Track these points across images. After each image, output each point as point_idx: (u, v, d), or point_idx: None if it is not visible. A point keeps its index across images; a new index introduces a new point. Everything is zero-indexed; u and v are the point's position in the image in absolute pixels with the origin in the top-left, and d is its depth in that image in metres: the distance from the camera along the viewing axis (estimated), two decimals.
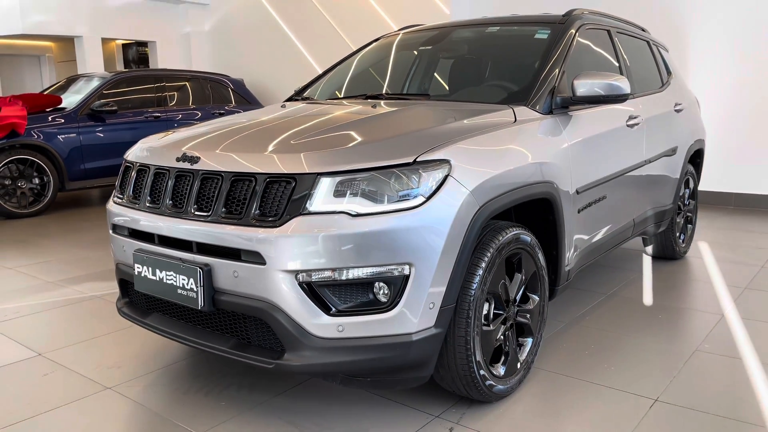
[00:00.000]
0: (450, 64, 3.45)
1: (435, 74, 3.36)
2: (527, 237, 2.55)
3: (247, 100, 9.40)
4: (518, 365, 2.61)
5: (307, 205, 2.07)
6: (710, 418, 2.40)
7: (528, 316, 2.66)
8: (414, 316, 2.12)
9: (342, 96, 3.38)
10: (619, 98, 2.91)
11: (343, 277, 2.06)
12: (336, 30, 9.96)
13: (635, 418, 2.41)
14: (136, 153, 2.67)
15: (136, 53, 12.54)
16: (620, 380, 2.72)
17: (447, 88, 3.25)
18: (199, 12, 11.38)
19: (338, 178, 2.09)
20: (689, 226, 4.79)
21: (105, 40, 11.61)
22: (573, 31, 3.27)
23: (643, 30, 4.52)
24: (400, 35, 3.81)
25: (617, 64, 3.68)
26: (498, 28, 3.45)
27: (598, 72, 2.91)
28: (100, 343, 3.22)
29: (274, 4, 10.67)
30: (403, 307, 2.10)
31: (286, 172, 2.11)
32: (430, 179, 2.14)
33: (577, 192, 2.92)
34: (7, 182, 6.88)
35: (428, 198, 2.12)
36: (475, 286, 2.28)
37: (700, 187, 6.80)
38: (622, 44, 3.84)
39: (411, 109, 2.81)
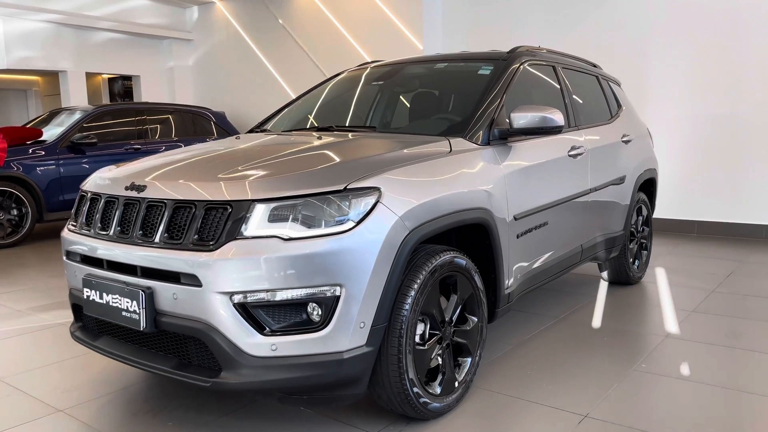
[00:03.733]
0: (400, 99, 3.63)
1: (384, 108, 3.54)
2: (462, 260, 2.69)
3: (228, 132, 9.58)
4: (456, 384, 2.72)
5: (243, 230, 2.21)
6: None
7: (466, 336, 2.78)
8: (345, 335, 2.25)
9: (296, 128, 3.55)
10: (553, 130, 3.09)
11: (276, 298, 2.19)
12: (315, 63, 10.22)
13: None
14: (90, 183, 2.81)
15: (122, 87, 12.76)
16: (555, 398, 2.84)
17: (394, 121, 3.43)
18: (182, 47, 11.65)
19: (272, 205, 2.23)
20: (644, 252, 4.95)
21: (90, 74, 11.83)
22: (516, 66, 3.47)
23: (594, 66, 4.74)
24: (357, 71, 4.00)
25: (562, 98, 3.87)
26: (446, 64, 3.65)
27: (534, 105, 3.10)
28: (61, 367, 3.31)
29: (255, 40, 10.95)
30: (335, 326, 2.23)
31: (223, 199, 2.25)
32: (360, 205, 2.28)
33: (515, 218, 3.07)
34: None
35: (358, 223, 2.26)
36: (407, 306, 2.41)
37: (665, 215, 7.01)
38: (569, 79, 4.05)
39: (351, 140, 2.98)
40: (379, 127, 3.23)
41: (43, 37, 9.97)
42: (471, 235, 2.92)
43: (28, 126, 8.42)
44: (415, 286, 2.45)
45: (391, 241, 2.32)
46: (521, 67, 3.52)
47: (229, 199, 2.25)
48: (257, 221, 2.22)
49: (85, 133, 7.82)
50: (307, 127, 3.50)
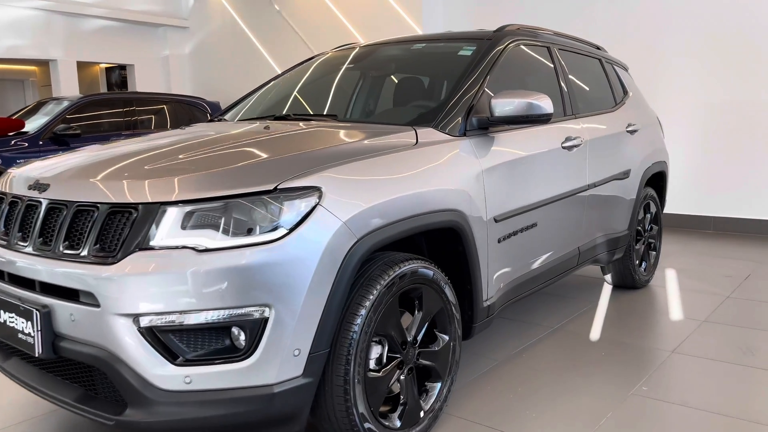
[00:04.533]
0: (371, 84, 3.23)
1: (352, 95, 3.14)
2: (428, 270, 2.31)
3: None
4: (422, 414, 2.35)
5: (150, 239, 1.84)
6: None
7: (434, 358, 2.40)
8: (275, 364, 1.87)
9: (253, 117, 3.17)
10: (541, 118, 2.68)
11: (190, 322, 1.82)
12: (312, 51, 9.82)
13: None
14: (1, 180, 2.45)
15: (119, 76, 12.45)
16: (539, 430, 2.45)
17: (361, 109, 3.04)
18: (178, 35, 11.29)
19: (186, 208, 1.86)
20: (652, 253, 4.52)
21: (84, 64, 11.54)
22: (502, 47, 3.06)
23: (597, 48, 4.30)
24: (331, 54, 3.61)
25: (557, 83, 3.45)
26: (424, 45, 3.24)
27: (518, 91, 2.69)
28: None
29: (252, 27, 10.57)
30: (262, 354, 1.86)
31: (128, 201, 1.88)
32: (294, 209, 1.90)
33: (495, 220, 2.68)
34: None
35: (291, 230, 1.88)
36: (356, 328, 2.03)
37: (678, 210, 6.56)
38: (566, 62, 3.62)
39: (300, 131, 2.59)
40: (341, 115, 2.85)
41: (32, 24, 9.66)
42: (444, 241, 2.53)
43: (12, 117, 8.13)
44: (367, 303, 2.07)
45: (333, 252, 1.94)
46: (509, 47, 3.11)
47: (133, 201, 1.87)
48: (168, 228, 1.84)
49: (68, 125, 7.51)
50: (265, 115, 3.11)
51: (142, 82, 11.05)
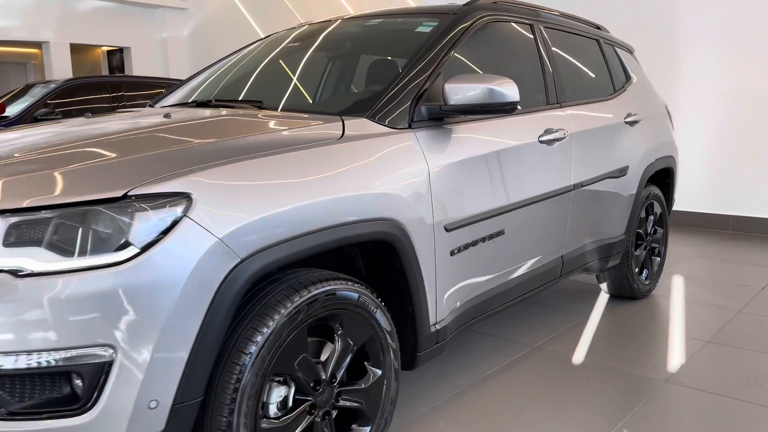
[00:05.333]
0: (315, 67, 2.79)
1: (292, 78, 2.71)
2: (351, 292, 1.88)
3: None
4: None
5: None
6: None
7: (362, 396, 1.99)
8: (122, 421, 1.47)
9: (178, 103, 2.76)
10: (504, 108, 2.23)
11: (9, 366, 1.42)
12: None
13: None
14: None
15: (120, 60, 12.15)
16: None
17: (296, 94, 2.60)
18: (176, 16, 10.91)
19: (12, 220, 1.46)
20: (656, 259, 4.03)
21: (86, 47, 11.26)
22: (467, 24, 2.60)
23: (597, 27, 3.80)
24: (283, 33, 3.17)
25: (540, 67, 2.98)
26: (380, 21, 2.79)
27: (477, 75, 2.24)
28: None
29: (252, 9, 10.16)
30: (105, 408, 1.46)
31: None
32: (148, 222, 1.49)
33: (447, 229, 2.24)
34: None
35: (145, 249, 1.47)
36: (243, 368, 1.63)
37: (694, 208, 6.04)
38: (553, 42, 3.15)
39: (201, 121, 2.17)
40: (269, 102, 2.44)
41: (23, 5, 9.36)
42: (381, 256, 2.10)
43: None
44: (259, 338, 1.66)
45: (204, 276, 1.53)
46: (477, 24, 2.65)
47: None
48: None
49: (50, 109, 7.20)
50: (193, 101, 2.71)
51: (139, 66, 10.73)
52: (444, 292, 2.29)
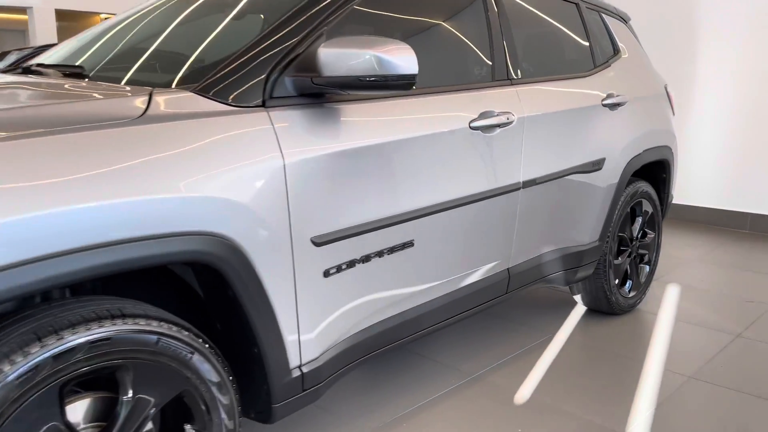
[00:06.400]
0: (179, 28, 2.21)
1: (142, 42, 2.14)
2: (143, 335, 1.36)
3: None
4: None
5: None
6: None
7: None
8: None
9: (9, 65, 2.27)
10: (398, 82, 1.66)
11: None
12: None
13: None
14: None
15: None
16: None
17: (133, 59, 2.03)
18: None
19: None
20: (645, 267, 3.42)
21: (85, 15, 10.85)
22: None
23: None
24: None
25: (487, 34, 2.38)
26: None
27: (364, 38, 1.67)
28: None
29: None
30: None
31: None
32: None
33: (316, 243, 1.69)
34: None
35: None
36: None
37: (708, 204, 5.37)
38: (510, 4, 2.54)
39: None
40: (99, 69, 1.91)
41: None
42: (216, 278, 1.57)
43: None
44: None
45: None
46: None
47: None
48: None
49: None
50: (19, 65, 2.20)
51: None
52: (314, 324, 1.75)
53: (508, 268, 2.49)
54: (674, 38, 5.37)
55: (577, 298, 3.35)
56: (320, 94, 1.75)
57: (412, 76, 1.67)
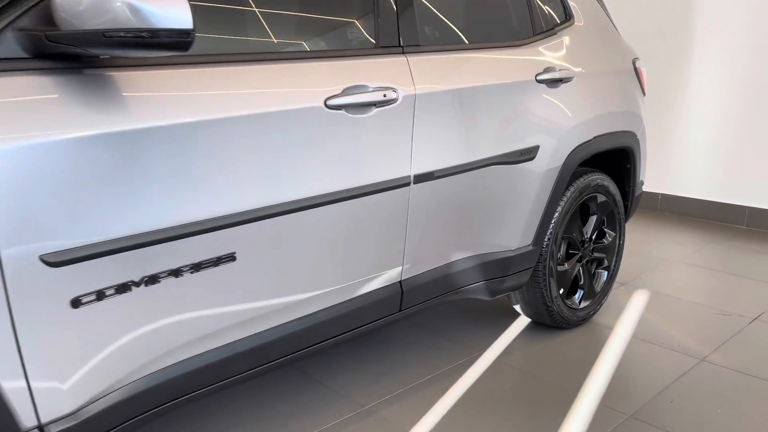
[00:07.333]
0: None
1: None
2: None
3: None
4: None
5: None
6: None
7: None
8: None
9: None
10: (169, 42, 1.20)
11: None
12: None
13: None
14: None
15: None
16: None
17: None
18: None
19: None
20: (602, 273, 2.92)
21: None
22: None
23: None
24: None
25: None
26: None
27: None
28: None
29: None
30: None
31: None
32: None
33: (49, 263, 1.24)
34: None
35: None
36: None
37: (703, 196, 4.82)
38: None
39: None
40: None
41: None
42: None
43: None
44: None
45: None
46: None
47: None
48: None
49: None
50: None
51: None
52: (62, 370, 1.30)
53: (400, 281, 2.02)
54: (669, 23, 4.78)
55: (518, 308, 2.86)
56: (76, 57, 1.28)
57: (186, 32, 1.20)
